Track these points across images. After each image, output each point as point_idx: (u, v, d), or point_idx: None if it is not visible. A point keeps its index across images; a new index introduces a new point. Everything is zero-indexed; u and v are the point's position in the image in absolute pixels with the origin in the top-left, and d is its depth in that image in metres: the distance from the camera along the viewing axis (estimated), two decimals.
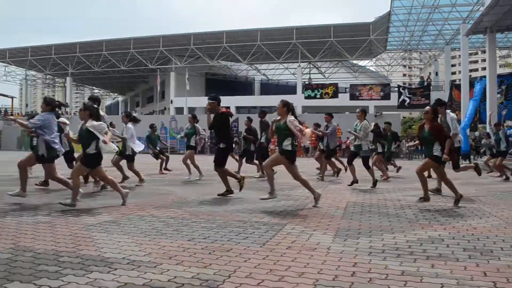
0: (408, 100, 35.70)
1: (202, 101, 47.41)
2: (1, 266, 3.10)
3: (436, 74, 44.66)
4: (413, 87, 40.04)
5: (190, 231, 4.40)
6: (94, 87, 69.68)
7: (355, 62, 50.06)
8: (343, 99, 39.54)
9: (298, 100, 42.09)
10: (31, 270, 3.01)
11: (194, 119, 11.56)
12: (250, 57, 44.02)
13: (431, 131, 6.70)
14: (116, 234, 4.18)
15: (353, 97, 38.53)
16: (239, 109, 46.03)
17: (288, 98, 34.03)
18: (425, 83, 39.02)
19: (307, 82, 44.34)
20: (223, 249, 3.66)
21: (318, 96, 39.68)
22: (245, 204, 6.48)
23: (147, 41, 45.19)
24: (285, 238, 4.12)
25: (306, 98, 40.05)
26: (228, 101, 45.86)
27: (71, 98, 54.94)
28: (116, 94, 75.13)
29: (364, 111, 10.19)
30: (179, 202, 6.59)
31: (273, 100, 45.23)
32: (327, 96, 39.18)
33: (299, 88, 43.24)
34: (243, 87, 52.62)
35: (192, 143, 11.27)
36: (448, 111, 8.37)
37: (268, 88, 53.26)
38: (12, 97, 55.88)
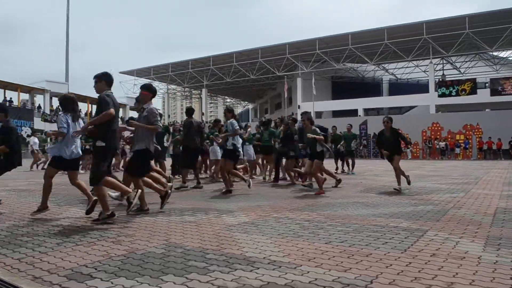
0: None
1: (329, 105, 47.36)
2: (157, 260, 3.42)
3: None
4: None
5: (326, 234, 4.38)
6: (226, 97, 73.91)
7: (495, 54, 45.25)
8: (483, 95, 36.12)
9: (431, 99, 39.57)
10: (182, 265, 3.27)
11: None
12: (377, 57, 42.61)
13: None
14: (255, 235, 4.34)
15: (494, 92, 35.02)
16: (367, 111, 44.88)
17: (420, 97, 32.26)
18: None
19: (440, 79, 41.41)
20: (362, 254, 3.56)
21: (453, 93, 36.83)
22: (380, 208, 6.26)
23: (274, 50, 46.49)
24: (428, 245, 3.87)
25: (440, 96, 37.45)
26: (356, 103, 45.07)
27: (206, 107, 58.99)
28: (246, 102, 78.70)
29: (230, 111, 8.94)
30: (312, 205, 6.62)
31: (403, 101, 43.30)
32: (464, 93, 36.19)
33: (431, 86, 40.55)
34: (370, 88, 51.11)
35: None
36: None
37: (398, 87, 50.95)
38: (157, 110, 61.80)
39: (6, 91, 43.32)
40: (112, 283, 2.85)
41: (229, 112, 8.79)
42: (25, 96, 46.87)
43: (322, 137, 8.40)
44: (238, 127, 8.44)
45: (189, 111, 9.97)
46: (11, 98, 43.00)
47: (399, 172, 8.89)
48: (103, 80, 5.48)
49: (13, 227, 4.86)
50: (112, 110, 5.14)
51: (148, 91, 6.19)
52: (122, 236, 4.35)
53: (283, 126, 11.07)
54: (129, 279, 2.93)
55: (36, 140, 19.03)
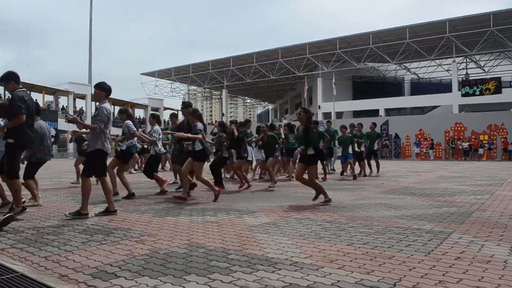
0: None
1: (350, 105, 47.01)
2: (180, 259, 3.46)
3: None
4: None
5: (348, 235, 4.35)
6: (246, 97, 74.09)
7: None
8: (508, 95, 35.30)
9: (454, 99, 38.90)
10: (205, 265, 3.30)
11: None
12: (398, 56, 42.07)
13: None
14: (277, 236, 4.34)
15: None
16: (388, 111, 44.37)
17: (443, 96, 31.61)
18: None
19: (464, 78, 40.65)
20: (384, 256, 3.53)
21: (477, 93, 36.10)
22: (402, 210, 6.18)
23: (294, 50, 46.40)
24: (452, 248, 3.81)
25: (463, 95, 36.75)
26: (377, 103, 44.62)
27: (226, 108, 59.24)
28: (266, 102, 78.67)
29: (123, 112, 8.46)
30: (333, 206, 6.58)
31: (425, 100, 42.63)
32: (488, 92, 35.44)
33: (454, 86, 39.87)
34: (392, 88, 50.54)
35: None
36: None
37: (420, 87, 50.25)
38: (177, 111, 62.52)
39: (32, 92, 44.33)
40: (136, 282, 2.89)
41: (121, 113, 8.35)
42: (49, 98, 47.86)
43: (199, 136, 7.24)
44: (134, 129, 7.96)
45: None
46: (36, 99, 43.93)
47: (311, 185, 7.09)
48: (12, 81, 5.60)
49: (39, 226, 4.98)
50: (23, 117, 5.39)
51: (101, 90, 5.96)
52: (145, 235, 4.41)
53: (234, 128, 10.19)
54: (152, 278, 2.97)
55: None
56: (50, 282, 2.89)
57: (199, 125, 7.44)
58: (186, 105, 8.32)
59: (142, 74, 57.25)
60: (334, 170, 14.87)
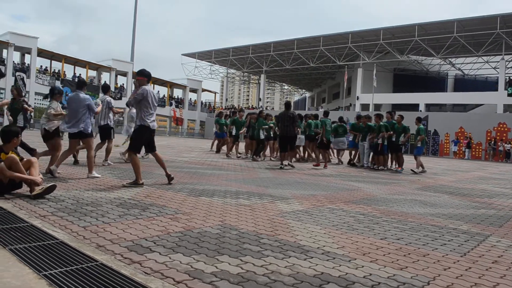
0: None
1: (389, 98, 46.05)
2: (213, 239, 3.51)
3: None
4: None
5: (382, 229, 4.30)
6: (284, 84, 73.72)
7: None
8: None
9: (499, 98, 37.42)
10: (237, 247, 3.33)
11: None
12: (444, 51, 40.70)
13: None
14: (309, 224, 4.34)
15: None
16: (429, 106, 43.20)
17: (488, 95, 30.52)
18: None
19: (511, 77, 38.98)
20: (419, 253, 3.46)
21: None
22: (438, 208, 6.04)
23: (336, 38, 45.68)
24: (490, 251, 3.70)
25: (509, 95, 35.32)
26: (417, 98, 43.47)
27: (264, 93, 59.18)
28: (303, 90, 78.06)
29: None
30: (367, 199, 6.50)
31: (469, 98, 41.21)
32: None
33: (501, 84, 38.30)
34: (434, 83, 49.14)
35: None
36: None
37: (463, 84, 48.65)
38: (215, 93, 63.13)
39: (76, 67, 45.62)
40: (170, 258, 2.95)
41: None
42: (92, 73, 49.10)
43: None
44: None
45: (287, 105, 11.83)
46: (80, 74, 45.23)
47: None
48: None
49: (78, 197, 5.15)
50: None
51: (142, 76, 6.53)
52: (180, 213, 4.49)
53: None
54: (186, 255, 3.03)
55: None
56: (88, 252, 2.99)
57: None
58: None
59: (183, 54, 57.85)
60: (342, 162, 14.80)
